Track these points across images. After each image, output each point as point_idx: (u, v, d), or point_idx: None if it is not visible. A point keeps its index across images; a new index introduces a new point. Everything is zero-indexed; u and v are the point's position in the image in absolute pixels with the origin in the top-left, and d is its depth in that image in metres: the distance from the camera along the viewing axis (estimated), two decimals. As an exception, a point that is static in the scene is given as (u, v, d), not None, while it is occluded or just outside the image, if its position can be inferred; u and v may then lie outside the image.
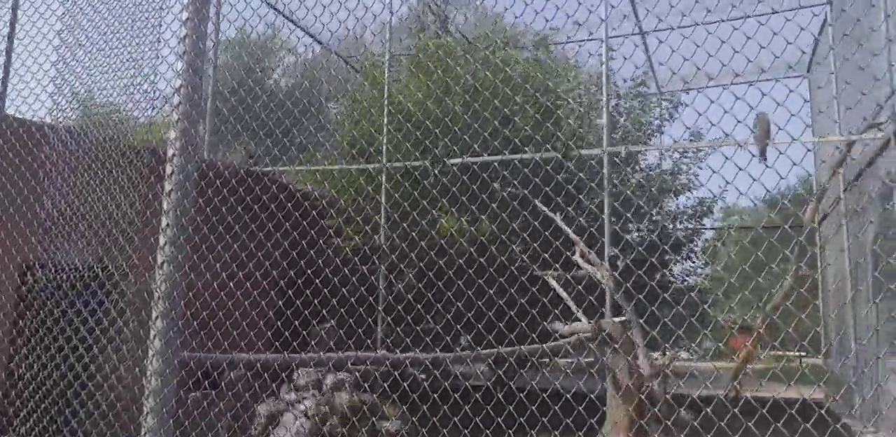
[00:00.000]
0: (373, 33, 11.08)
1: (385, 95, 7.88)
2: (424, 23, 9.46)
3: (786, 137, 6.16)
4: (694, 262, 9.25)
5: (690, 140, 8.05)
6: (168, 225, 2.08)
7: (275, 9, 9.58)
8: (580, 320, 3.44)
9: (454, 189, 5.99)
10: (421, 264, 7.40)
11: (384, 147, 7.56)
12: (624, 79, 9.43)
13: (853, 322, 7.76)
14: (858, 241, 7.81)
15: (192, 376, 2.39)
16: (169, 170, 2.14)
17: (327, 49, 11.36)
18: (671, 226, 9.27)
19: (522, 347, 2.93)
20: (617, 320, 3.01)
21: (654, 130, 8.99)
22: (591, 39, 9.38)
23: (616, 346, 2.84)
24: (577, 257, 4.28)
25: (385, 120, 7.65)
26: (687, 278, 9.59)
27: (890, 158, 5.20)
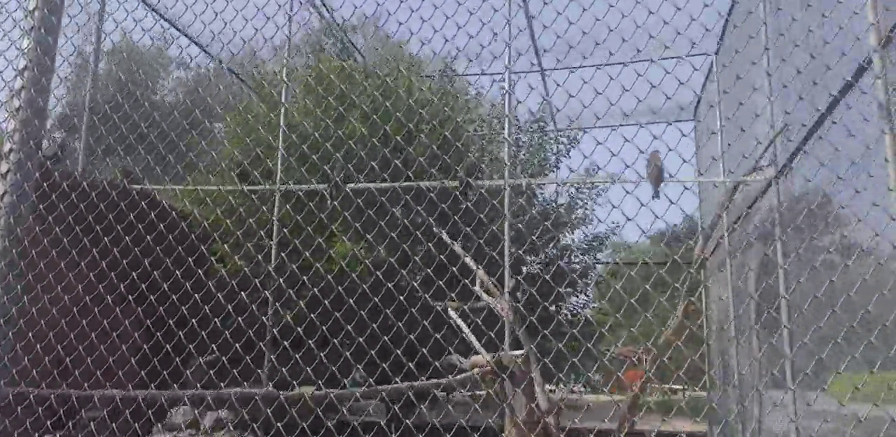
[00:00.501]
0: (274, 48, 10.86)
1: (281, 113, 7.68)
2: (322, 44, 9.38)
3: (676, 176, 6.47)
4: (588, 295, 9.52)
5: (586, 176, 8.36)
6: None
7: (162, 17, 9.19)
8: (479, 354, 3.38)
9: (347, 214, 5.85)
10: (313, 291, 7.14)
11: (278, 168, 7.33)
12: (523, 114, 9.71)
13: (736, 356, 8.18)
14: (742, 278, 8.31)
15: (33, 415, 2.10)
16: (3, 168, 1.85)
17: (218, 63, 11.00)
18: (567, 259, 9.52)
19: (417, 382, 2.83)
20: (516, 353, 2.97)
21: (552, 165, 9.28)
22: (491, 74, 9.61)
23: (514, 380, 2.80)
24: (476, 288, 4.25)
25: (280, 140, 7.44)
26: (580, 311, 9.84)
27: (769, 200, 5.57)
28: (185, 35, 9.05)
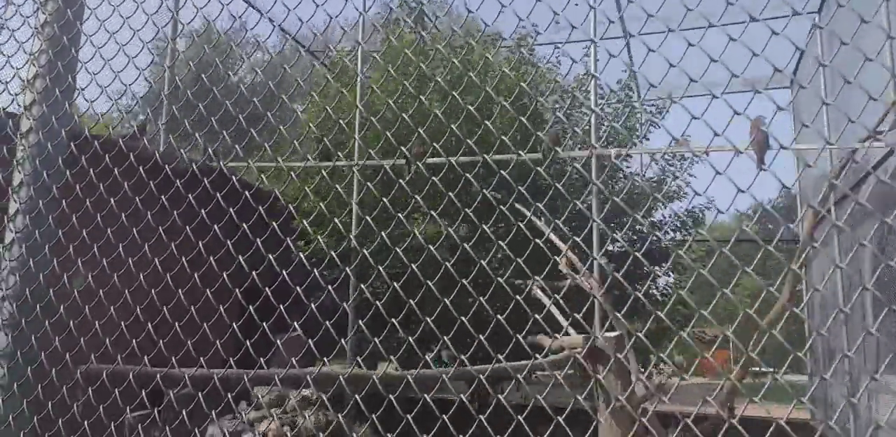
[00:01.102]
0: (342, 29, 10.89)
1: (357, 92, 7.71)
2: (399, 18, 9.35)
3: (778, 144, 6.08)
4: (681, 274, 9.21)
5: (680, 145, 8.02)
6: (19, 211, 1.77)
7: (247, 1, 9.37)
8: (569, 334, 3.29)
9: (425, 191, 5.84)
10: (393, 271, 7.21)
11: (356, 145, 7.39)
12: (607, 84, 9.41)
13: (845, 340, 7.76)
14: (853, 256, 7.83)
15: (130, 393, 2.18)
16: (25, 126, 1.78)
17: (296, 43, 11.18)
18: (658, 236, 9.23)
19: (508, 364, 2.77)
20: (611, 335, 2.87)
21: (640, 137, 8.97)
22: (573, 42, 9.33)
23: (610, 363, 2.71)
24: (562, 266, 4.15)
25: (357, 118, 7.49)
26: (669, 292, 9.55)
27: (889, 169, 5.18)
28: (261, 12, 9.21)
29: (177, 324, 2.24)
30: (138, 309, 2.17)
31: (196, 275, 2.28)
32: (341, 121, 8.06)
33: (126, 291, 2.36)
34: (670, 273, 9.32)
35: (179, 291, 2.24)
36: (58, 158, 1.98)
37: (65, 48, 2.08)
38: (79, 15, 2.16)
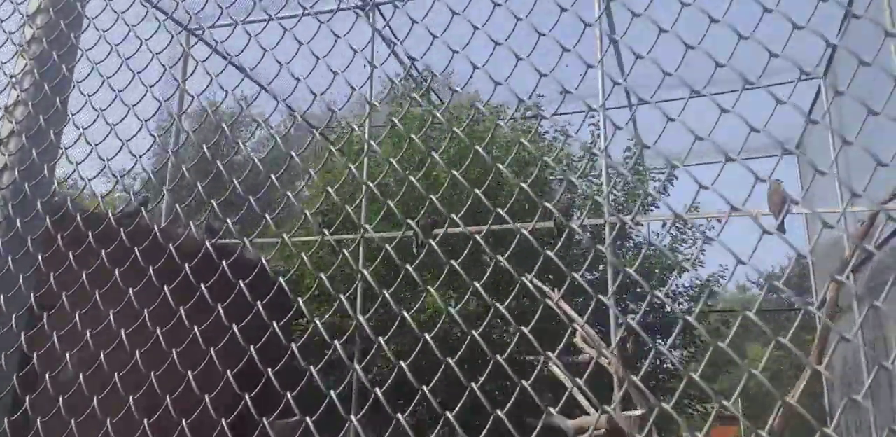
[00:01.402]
0: (353, 102, 11.09)
1: (364, 165, 7.76)
2: (405, 90, 9.56)
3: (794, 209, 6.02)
4: (697, 347, 8.95)
5: (688, 213, 7.98)
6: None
7: (253, 79, 9.60)
8: (588, 414, 3.11)
9: (433, 264, 5.76)
10: (401, 349, 7.05)
11: (362, 218, 7.38)
12: (611, 153, 9.48)
13: (872, 417, 7.43)
14: (871, 324, 7.61)
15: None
16: None
17: (303, 120, 11.39)
18: (672, 307, 9.04)
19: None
20: (633, 414, 2.71)
21: (650, 204, 8.95)
22: (577, 112, 9.48)
23: (634, 445, 2.53)
24: (577, 340, 4.00)
25: (364, 190, 7.51)
26: (683, 366, 9.26)
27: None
28: (266, 90, 9.41)
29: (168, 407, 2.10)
30: (130, 398, 2.04)
31: (176, 353, 2.16)
32: (342, 196, 8.07)
33: (115, 376, 2.23)
34: (686, 347, 9.07)
35: (168, 374, 2.12)
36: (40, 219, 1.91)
37: (51, 96, 2.02)
38: (75, 30, 2.10)
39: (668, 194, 9.25)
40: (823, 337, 4.14)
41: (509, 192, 7.66)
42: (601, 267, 8.66)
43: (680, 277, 8.92)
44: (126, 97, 2.30)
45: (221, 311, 2.26)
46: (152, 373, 2.15)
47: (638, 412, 2.72)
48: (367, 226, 7.53)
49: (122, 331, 2.10)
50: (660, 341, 8.88)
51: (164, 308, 2.35)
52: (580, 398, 3.20)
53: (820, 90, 9.87)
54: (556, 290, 4.54)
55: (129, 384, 2.21)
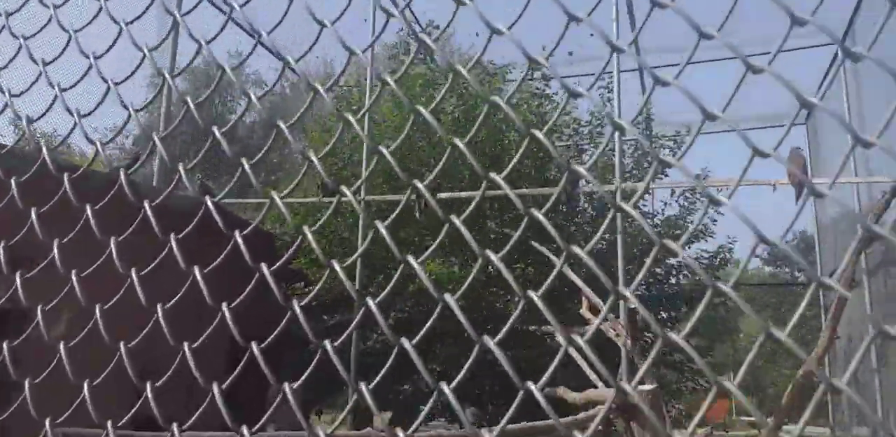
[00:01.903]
0: (357, 53, 10.81)
1: (364, 127, 7.61)
2: (408, 49, 9.35)
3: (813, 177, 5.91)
4: (700, 320, 8.92)
5: (701, 180, 7.88)
6: None
7: (248, 32, 9.36)
8: (595, 387, 3.07)
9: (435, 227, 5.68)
10: (402, 315, 7.02)
11: (362, 181, 7.27)
12: (621, 117, 9.33)
13: (880, 391, 7.47)
14: (884, 299, 7.60)
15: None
16: None
17: (300, 76, 11.18)
18: (680, 278, 9.03)
19: (528, 425, 2.55)
20: (646, 388, 2.66)
21: (658, 172, 8.82)
22: (586, 75, 9.30)
23: (643, 420, 2.48)
24: (583, 310, 3.94)
25: (364, 153, 7.39)
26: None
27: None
28: (265, 46, 9.19)
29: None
30: (122, 359, 1.97)
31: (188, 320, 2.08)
32: (336, 156, 7.93)
33: (107, 337, 2.15)
34: (688, 320, 9.07)
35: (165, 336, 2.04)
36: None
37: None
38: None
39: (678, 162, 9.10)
40: (838, 311, 4.09)
41: (513, 155, 7.56)
42: (606, 236, 8.61)
43: (689, 247, 8.86)
44: (113, 51, 2.20)
45: (198, 274, 2.18)
46: (139, 333, 2.08)
47: (649, 387, 2.68)
48: (363, 197, 7.43)
49: (114, 289, 2.02)
50: (665, 313, 8.87)
51: (156, 267, 2.27)
52: (588, 371, 3.15)
53: (836, 57, 9.69)
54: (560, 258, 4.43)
55: (120, 344, 2.13)
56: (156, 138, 1.96)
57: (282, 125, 0.73)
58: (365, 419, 8.71)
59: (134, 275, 1.22)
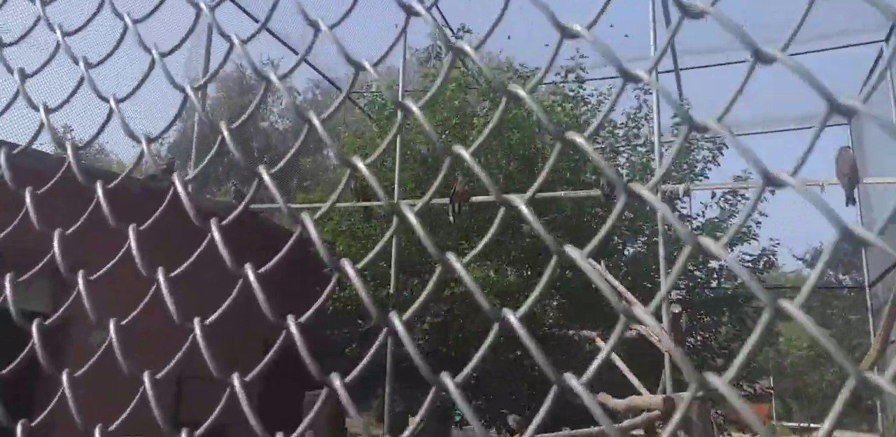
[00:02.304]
0: (376, 73, 10.87)
1: (396, 128, 7.62)
2: (439, 53, 9.36)
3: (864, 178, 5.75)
4: (743, 324, 8.75)
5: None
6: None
7: (284, 43, 9.44)
8: (640, 394, 3.00)
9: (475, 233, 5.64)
10: (436, 320, 6.98)
11: (395, 187, 7.29)
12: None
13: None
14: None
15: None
16: None
17: (332, 85, 11.28)
18: (722, 281, 8.88)
19: (573, 433, 2.50)
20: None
21: (698, 174, 8.69)
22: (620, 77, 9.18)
23: (691, 429, 2.42)
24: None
25: (398, 156, 7.40)
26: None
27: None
28: (296, 52, 9.27)
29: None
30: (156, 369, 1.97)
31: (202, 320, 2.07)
32: (375, 164, 7.98)
33: (145, 343, 2.17)
34: (732, 324, 8.89)
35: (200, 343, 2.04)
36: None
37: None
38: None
39: (718, 164, 8.97)
40: (892, 317, 3.96)
41: (547, 157, 7.52)
42: (643, 239, 8.48)
43: (732, 250, 8.70)
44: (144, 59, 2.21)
45: (252, 273, 2.17)
46: (175, 340, 2.08)
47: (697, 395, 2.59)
48: (401, 202, 7.43)
49: (152, 293, 2.02)
50: (707, 318, 8.70)
51: (193, 272, 2.27)
52: (630, 376, 3.08)
53: (881, 55, 9.46)
54: (600, 262, 4.39)
55: (159, 349, 2.14)
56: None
57: (314, 119, 0.70)
58: (402, 423, 8.71)
59: (162, 278, 1.21)
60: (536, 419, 0.62)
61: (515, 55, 9.28)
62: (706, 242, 0.60)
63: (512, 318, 0.61)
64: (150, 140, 0.94)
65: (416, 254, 7.62)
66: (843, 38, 9.41)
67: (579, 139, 0.66)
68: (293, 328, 0.76)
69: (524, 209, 0.63)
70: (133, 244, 0.92)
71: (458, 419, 8.94)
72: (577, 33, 0.68)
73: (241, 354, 2.19)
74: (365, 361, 0.68)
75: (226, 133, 0.83)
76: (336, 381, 0.71)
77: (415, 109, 0.69)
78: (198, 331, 0.84)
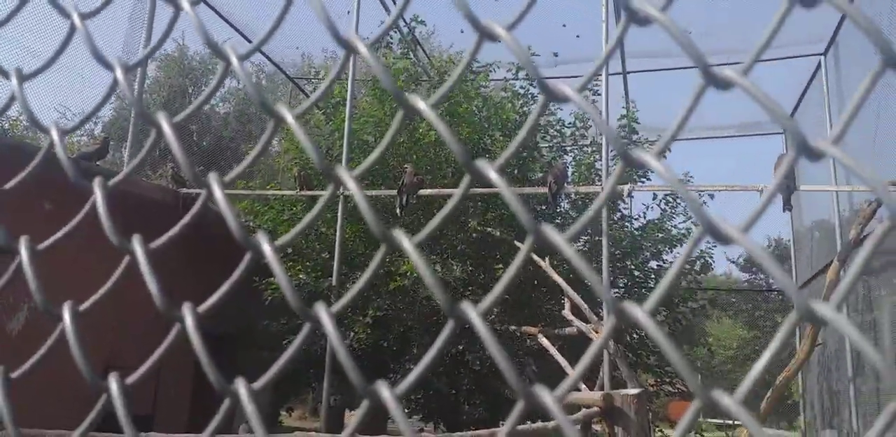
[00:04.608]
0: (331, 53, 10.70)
1: (347, 119, 7.49)
2: (390, 43, 9.26)
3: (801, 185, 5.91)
4: (680, 323, 8.97)
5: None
6: None
7: (228, 22, 9.17)
8: (579, 390, 3.01)
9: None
10: (379, 313, 6.90)
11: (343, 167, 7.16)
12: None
13: (853, 396, 7.54)
14: (861, 308, 7.67)
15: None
16: None
17: (279, 69, 11.04)
18: (656, 281, 9.04)
19: (517, 428, 2.48)
20: (632, 392, 2.61)
21: (641, 176, 8.84)
22: (572, 77, 9.29)
23: (627, 424, 2.43)
24: (566, 312, 3.89)
25: (345, 148, 7.28)
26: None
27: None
28: (244, 36, 9.03)
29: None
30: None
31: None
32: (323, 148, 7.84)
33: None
34: (668, 324, 9.09)
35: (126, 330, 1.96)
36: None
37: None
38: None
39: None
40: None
41: (497, 153, 7.51)
42: (586, 237, 8.59)
43: (671, 251, 8.89)
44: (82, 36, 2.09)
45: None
46: (103, 326, 1.99)
47: (634, 391, 2.63)
48: (343, 191, 7.34)
49: (79, 279, 1.92)
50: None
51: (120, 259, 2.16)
52: (571, 372, 3.09)
53: (819, 67, 9.80)
54: (545, 259, 4.41)
55: (86, 335, 2.04)
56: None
57: (287, 116, 0.63)
58: (338, 417, 8.62)
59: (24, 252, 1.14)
60: (504, 430, 0.58)
61: (469, 47, 9.24)
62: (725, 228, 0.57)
63: (472, 314, 0.55)
64: (63, 132, 0.85)
65: (360, 245, 7.53)
66: (784, 49, 9.70)
67: (421, 105, 0.62)
68: (188, 320, 0.67)
69: (493, 176, 0.57)
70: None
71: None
72: (496, 36, 0.64)
73: (175, 346, 2.10)
74: (281, 363, 0.59)
75: (166, 128, 0.75)
76: (242, 389, 0.62)
77: (422, 105, 0.63)
78: (67, 321, 0.75)
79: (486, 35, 0.66)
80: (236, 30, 9.24)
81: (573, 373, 0.58)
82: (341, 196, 6.96)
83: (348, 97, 7.66)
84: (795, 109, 10.80)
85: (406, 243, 0.61)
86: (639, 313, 0.48)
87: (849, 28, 7.89)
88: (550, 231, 0.53)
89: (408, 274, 6.15)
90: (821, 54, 9.69)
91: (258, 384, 0.62)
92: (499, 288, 0.57)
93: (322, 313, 0.62)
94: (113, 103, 15.36)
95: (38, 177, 0.99)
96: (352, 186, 0.62)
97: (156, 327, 2.03)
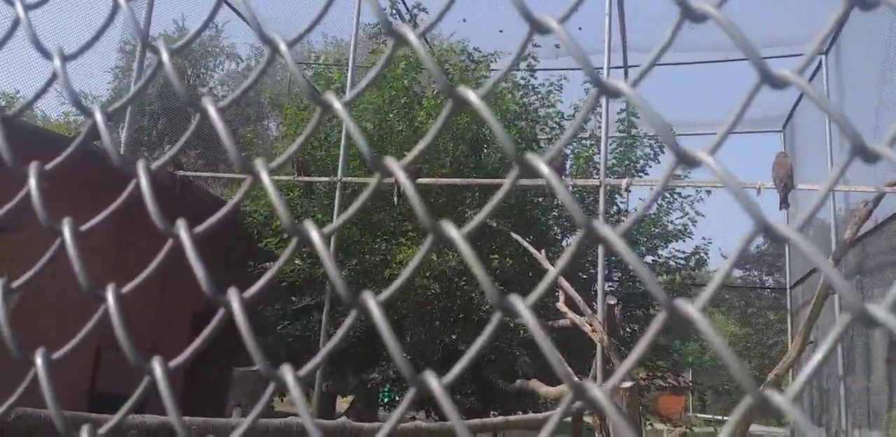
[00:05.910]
0: (334, 39, 10.63)
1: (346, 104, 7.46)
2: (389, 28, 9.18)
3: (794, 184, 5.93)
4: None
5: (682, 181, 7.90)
6: None
7: (228, 4, 9.08)
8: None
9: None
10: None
11: (340, 162, 7.17)
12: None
13: (843, 394, 7.59)
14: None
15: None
16: None
17: (277, 53, 10.94)
18: (660, 276, 9.08)
19: (501, 419, 2.48)
20: (624, 385, 2.62)
21: (639, 170, 8.84)
22: (573, 69, 9.26)
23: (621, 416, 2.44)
24: (560, 304, 3.90)
25: (344, 133, 7.26)
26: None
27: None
28: (243, 18, 8.94)
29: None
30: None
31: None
32: (319, 139, 7.82)
33: (63, 309, 2.05)
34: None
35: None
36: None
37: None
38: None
39: (658, 162, 9.17)
40: (812, 319, 4.10)
41: (497, 145, 7.52)
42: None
43: (666, 247, 8.91)
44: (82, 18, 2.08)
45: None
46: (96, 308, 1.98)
47: (627, 384, 2.64)
48: (340, 178, 7.31)
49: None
50: (639, 310, 8.91)
51: (117, 240, 2.17)
52: (564, 365, 3.11)
53: (820, 66, 9.80)
54: (541, 250, 4.41)
55: (79, 317, 2.04)
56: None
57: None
58: (331, 403, 8.66)
59: (67, 231, 1.13)
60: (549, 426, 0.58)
61: (470, 38, 9.22)
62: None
63: (520, 306, 0.56)
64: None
65: (356, 233, 7.53)
66: (787, 48, 9.69)
67: (471, 97, 0.62)
68: (235, 306, 0.69)
69: (545, 169, 0.58)
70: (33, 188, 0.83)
71: (386, 400, 8.94)
72: (549, 29, 0.64)
73: (168, 327, 2.10)
74: (326, 350, 0.61)
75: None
76: (288, 376, 0.64)
77: (472, 97, 0.63)
78: (111, 301, 0.76)
79: (537, 28, 0.66)
80: (234, 10, 9.17)
81: (621, 367, 0.60)
82: (339, 182, 6.94)
83: (348, 84, 7.63)
84: (794, 108, 10.81)
85: (454, 233, 0.62)
86: (691, 309, 0.49)
87: (851, 28, 7.88)
88: (602, 226, 0.54)
89: (404, 263, 6.16)
90: (821, 54, 9.69)
91: (302, 371, 0.64)
92: (545, 282, 0.57)
93: (370, 301, 0.63)
94: (111, 84, 15.27)
95: (44, 157, 0.98)
96: (400, 176, 0.64)
97: (148, 310, 2.04)
